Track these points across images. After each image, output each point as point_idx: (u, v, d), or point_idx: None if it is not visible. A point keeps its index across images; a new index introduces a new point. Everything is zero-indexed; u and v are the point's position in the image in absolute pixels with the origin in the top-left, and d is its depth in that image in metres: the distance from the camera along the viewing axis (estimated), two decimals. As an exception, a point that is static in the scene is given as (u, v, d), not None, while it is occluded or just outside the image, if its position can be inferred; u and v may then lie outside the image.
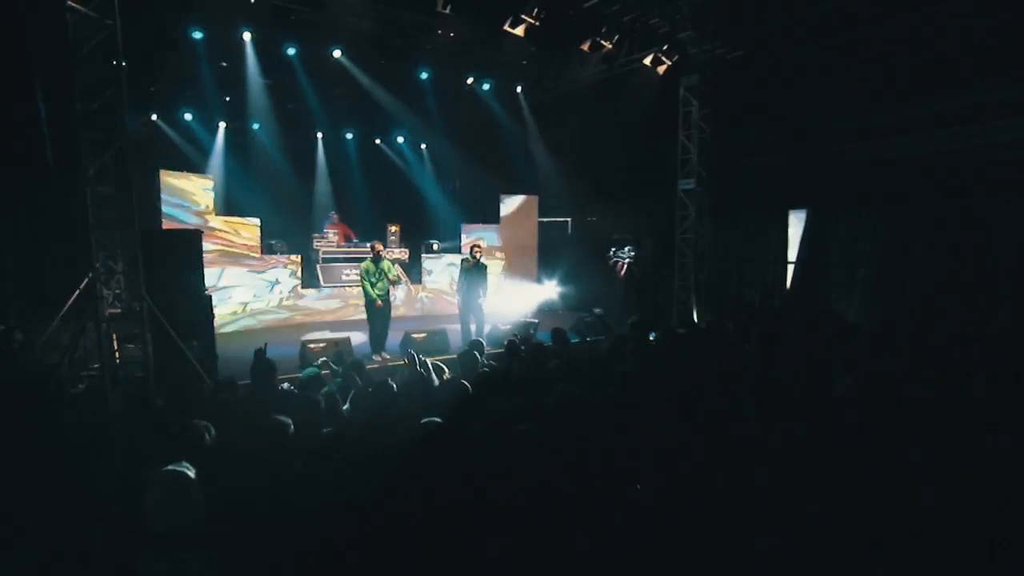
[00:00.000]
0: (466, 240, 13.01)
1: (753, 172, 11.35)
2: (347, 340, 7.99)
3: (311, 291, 11.96)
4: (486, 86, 13.24)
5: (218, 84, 11.98)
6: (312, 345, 7.63)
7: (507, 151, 13.86)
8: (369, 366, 7.74)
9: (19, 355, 7.19)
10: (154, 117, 12.81)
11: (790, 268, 11.05)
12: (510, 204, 13.49)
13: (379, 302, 8.43)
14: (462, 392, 4.37)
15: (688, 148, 10.72)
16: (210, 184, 10.45)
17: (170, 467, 2.44)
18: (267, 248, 11.72)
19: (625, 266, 10.74)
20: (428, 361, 5.48)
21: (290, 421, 3.46)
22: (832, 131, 10.08)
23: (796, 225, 11.01)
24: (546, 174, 13.35)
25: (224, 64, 11.35)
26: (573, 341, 9.65)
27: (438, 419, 3.39)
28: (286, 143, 14.65)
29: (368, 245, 8.68)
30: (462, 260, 8.99)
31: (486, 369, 5.53)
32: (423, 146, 16.54)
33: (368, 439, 3.53)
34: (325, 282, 12.20)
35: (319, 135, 15.17)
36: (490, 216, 13.61)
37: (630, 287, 10.86)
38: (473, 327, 9.00)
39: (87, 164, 5.49)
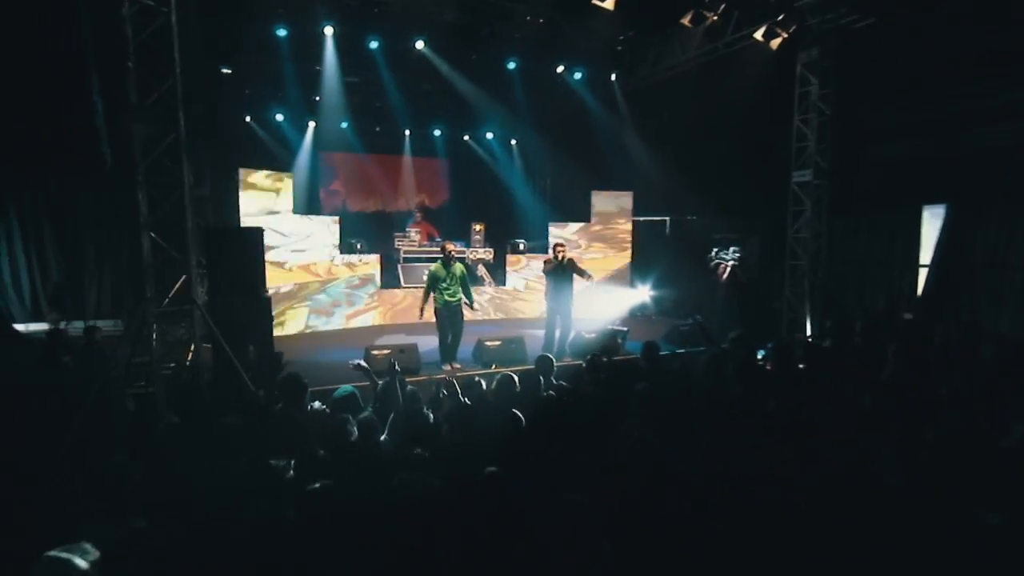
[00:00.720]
0: (554, 239, 12.24)
1: (880, 162, 9.78)
2: (413, 347, 7.44)
3: (392, 291, 11.62)
4: (578, 75, 12.40)
5: (304, 83, 11.95)
6: (377, 351, 7.13)
7: (599, 144, 12.90)
8: (437, 376, 7.18)
9: (97, 351, 7.22)
10: (248, 119, 12.95)
11: (922, 272, 9.46)
12: (602, 201, 12.57)
13: (464, 306, 7.89)
14: (513, 427, 3.60)
15: (804, 134, 9.37)
16: (288, 182, 10.28)
17: (57, 553, 1.85)
18: (347, 247, 11.49)
19: (728, 269, 9.56)
20: (456, 381, 4.75)
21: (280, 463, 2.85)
22: (979, 113, 8.41)
23: (929, 223, 9.43)
24: (642, 168, 12.27)
25: (314, 67, 11.26)
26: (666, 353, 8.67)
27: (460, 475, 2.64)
28: (373, 140, 14.53)
29: (439, 246, 8.02)
30: (544, 261, 8.22)
31: (552, 393, 4.73)
32: (513, 142, 15.91)
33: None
34: (406, 283, 11.84)
35: (406, 132, 14.89)
36: (580, 213, 12.74)
37: (733, 293, 9.65)
38: (558, 333, 8.21)
39: (139, 160, 5.23)
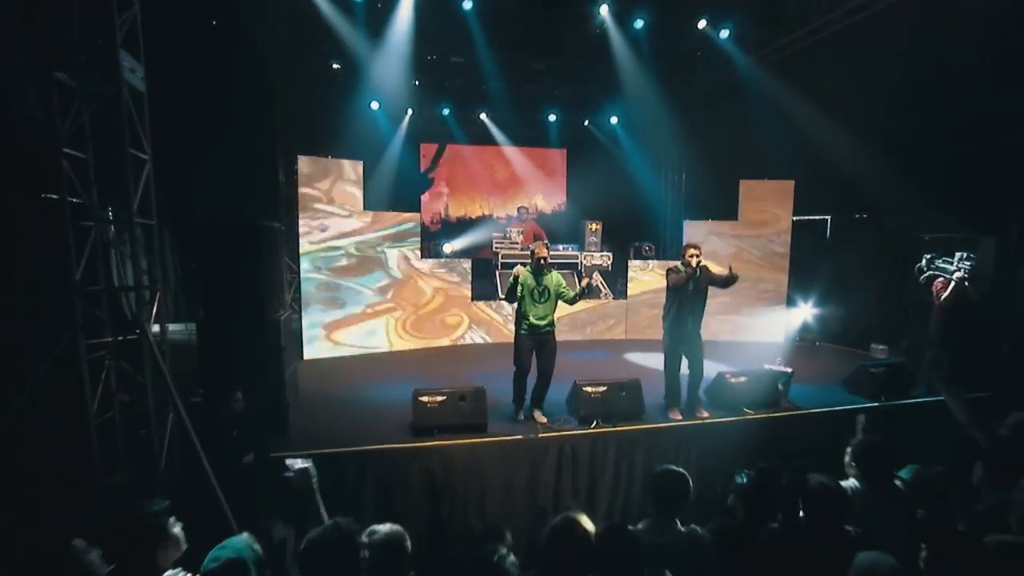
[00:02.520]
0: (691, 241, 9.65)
1: None
2: (480, 392, 5.26)
3: (489, 305, 9.64)
4: (724, 32, 9.72)
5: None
6: (427, 399, 5.08)
7: (751, 121, 10.08)
8: (514, 437, 5.03)
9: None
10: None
11: None
12: (754, 193, 9.77)
13: (541, 331, 5.59)
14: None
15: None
16: (358, 172, 8.59)
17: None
18: (432, 251, 9.70)
19: (952, 286, 6.50)
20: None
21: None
22: None
23: None
24: (811, 152, 9.29)
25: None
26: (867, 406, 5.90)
27: None
28: (477, 129, 12.71)
29: (530, 249, 5.83)
30: (668, 271, 5.75)
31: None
32: (635, 125, 13.33)
33: None
34: (502, 294, 9.79)
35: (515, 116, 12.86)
36: (724, 210, 10.00)
37: (956, 320, 6.58)
38: (686, 375, 5.77)
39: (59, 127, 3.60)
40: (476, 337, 9.53)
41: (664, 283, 5.78)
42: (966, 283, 6.48)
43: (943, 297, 6.57)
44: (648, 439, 5.38)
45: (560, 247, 10.49)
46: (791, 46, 9.21)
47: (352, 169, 8.56)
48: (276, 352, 4.96)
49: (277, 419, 4.91)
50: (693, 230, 9.79)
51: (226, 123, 8.67)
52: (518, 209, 12.58)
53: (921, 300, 7.41)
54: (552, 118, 13.02)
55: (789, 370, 6.32)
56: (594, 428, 5.29)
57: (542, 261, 5.53)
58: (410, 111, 12.15)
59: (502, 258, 10.21)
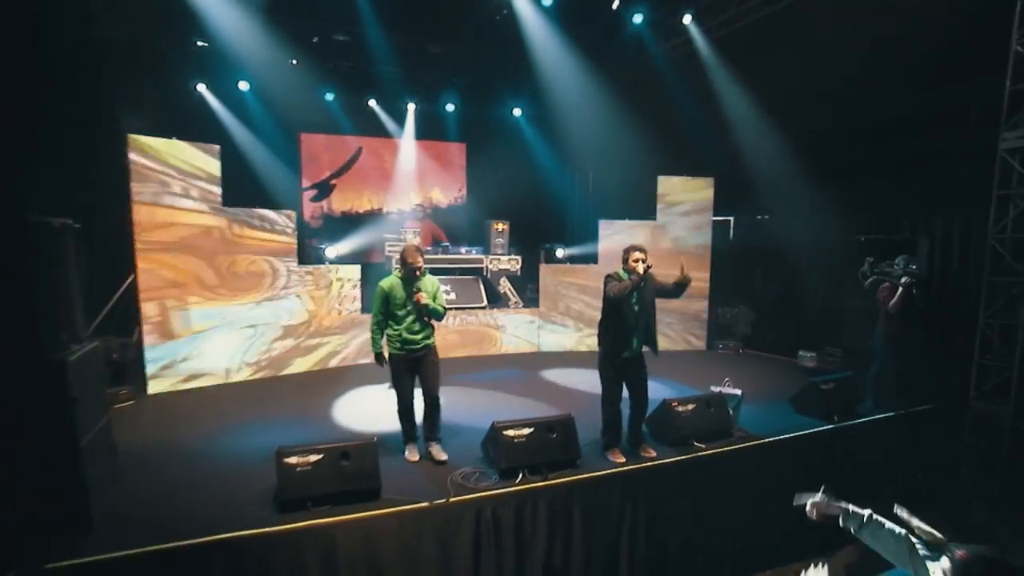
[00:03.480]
0: (607, 242, 8.75)
1: None
2: (368, 448, 3.87)
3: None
4: (638, 17, 8.89)
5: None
6: (296, 460, 3.66)
7: (669, 112, 9.32)
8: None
9: None
10: (201, 87, 9.70)
11: None
12: (673, 190, 9.01)
13: (375, 359, 4.72)
14: None
15: (1028, 72, 5.73)
16: (214, 160, 6.90)
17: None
18: (312, 253, 8.17)
19: (900, 292, 5.91)
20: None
21: None
22: None
23: None
24: (734, 145, 8.64)
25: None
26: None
27: None
28: (361, 116, 11.19)
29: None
30: (607, 280, 4.65)
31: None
32: (541, 117, 12.33)
33: None
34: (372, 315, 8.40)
35: (411, 106, 11.46)
36: (642, 208, 9.17)
37: (904, 328, 6.00)
38: (626, 407, 4.72)
39: None
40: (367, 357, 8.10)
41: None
42: (913, 290, 5.91)
43: (891, 304, 5.96)
44: (586, 492, 4.25)
45: (463, 250, 9.24)
46: (711, 33, 8.51)
47: (207, 156, 6.87)
48: (61, 408, 3.36)
49: (70, 511, 3.33)
50: (611, 232, 8.92)
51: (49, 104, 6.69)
52: (414, 206, 11.16)
53: (858, 306, 6.88)
54: (450, 108, 11.73)
55: (739, 392, 5.45)
56: (519, 484, 4.08)
57: (415, 266, 4.52)
58: (287, 94, 10.43)
59: (396, 263, 8.79)
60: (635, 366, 4.59)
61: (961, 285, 6.77)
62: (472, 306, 8.65)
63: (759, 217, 9.58)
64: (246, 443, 4.95)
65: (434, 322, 4.69)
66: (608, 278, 4.54)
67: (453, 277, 9.15)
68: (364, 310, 8.14)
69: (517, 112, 12.10)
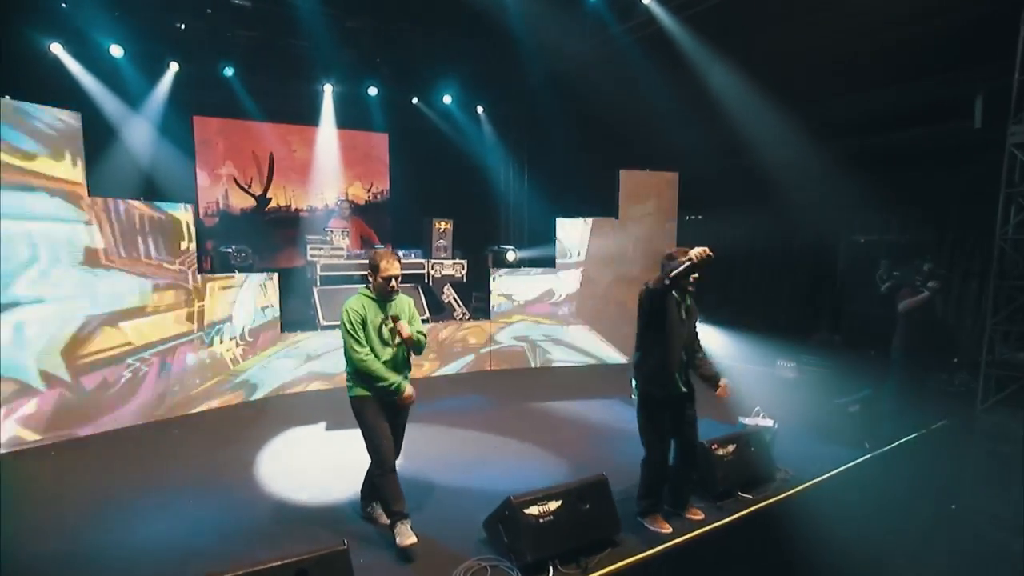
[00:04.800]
0: (567, 244, 7.73)
1: None
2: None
3: (303, 337, 6.72)
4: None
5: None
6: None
7: (631, 102, 8.42)
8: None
9: None
10: (57, 47, 7.68)
11: None
12: (636, 185, 8.12)
13: (403, 390, 3.31)
14: None
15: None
16: (75, 136, 5.17)
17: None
18: (219, 259, 6.58)
19: (922, 296, 5.27)
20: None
21: None
22: None
23: None
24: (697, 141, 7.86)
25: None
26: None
27: None
28: (276, 103, 9.50)
29: (370, 261, 3.39)
30: (647, 290, 3.45)
31: None
32: (480, 109, 11.17)
33: None
34: (326, 320, 6.94)
35: (326, 87, 9.88)
36: (604, 205, 8.23)
37: (925, 336, 5.38)
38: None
39: None
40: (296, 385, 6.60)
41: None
42: (939, 294, 5.31)
43: (902, 304, 5.33)
44: (637, 579, 3.15)
45: (400, 253, 7.88)
46: (681, 12, 7.65)
47: (62, 128, 5.14)
48: None
49: None
50: (567, 231, 7.92)
51: None
52: (338, 202, 9.57)
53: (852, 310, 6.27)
54: (373, 91, 10.26)
55: (772, 423, 4.55)
56: (556, 582, 2.92)
57: (392, 283, 3.30)
58: (175, 65, 8.61)
59: (322, 270, 7.31)
60: (683, 406, 3.53)
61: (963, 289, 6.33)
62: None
63: (688, 218, 8.84)
64: (144, 530, 3.45)
65: (412, 347, 3.43)
66: (650, 289, 3.42)
67: (388, 285, 7.78)
68: (284, 328, 6.64)
69: (448, 100, 10.83)
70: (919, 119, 6.40)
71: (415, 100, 10.77)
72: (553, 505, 3.10)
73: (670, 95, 7.61)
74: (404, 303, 3.45)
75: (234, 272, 6.32)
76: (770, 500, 3.91)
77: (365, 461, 3.44)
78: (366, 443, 3.32)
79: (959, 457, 5.50)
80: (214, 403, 6.04)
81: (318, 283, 7.26)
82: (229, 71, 9.06)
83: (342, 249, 7.54)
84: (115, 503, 3.87)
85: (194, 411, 5.88)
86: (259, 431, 5.33)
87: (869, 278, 6.03)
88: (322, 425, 5.49)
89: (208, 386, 6.02)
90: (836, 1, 6.21)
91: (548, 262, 8.12)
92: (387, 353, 3.31)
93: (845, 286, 7.05)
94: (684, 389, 3.48)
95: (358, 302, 3.31)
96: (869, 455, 4.72)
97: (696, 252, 3.07)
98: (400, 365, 3.39)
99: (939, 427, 5.52)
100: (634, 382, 3.50)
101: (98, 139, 6.86)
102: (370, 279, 3.38)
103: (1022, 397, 5.46)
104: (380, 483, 3.29)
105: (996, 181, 5.60)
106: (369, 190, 10.61)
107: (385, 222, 10.57)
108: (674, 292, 3.35)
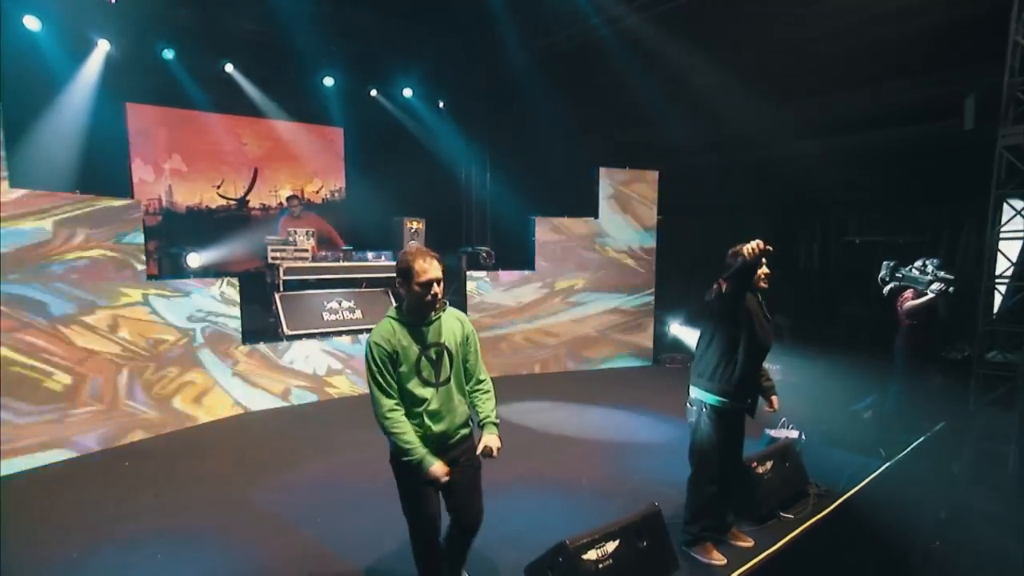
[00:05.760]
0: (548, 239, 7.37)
1: None
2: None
3: (267, 348, 6.08)
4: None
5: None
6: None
7: (613, 94, 8.12)
8: None
9: None
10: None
11: None
12: (616, 184, 7.85)
13: (438, 470, 2.34)
14: None
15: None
16: None
17: None
18: (170, 263, 5.86)
19: (926, 299, 5.17)
20: None
21: None
22: None
23: None
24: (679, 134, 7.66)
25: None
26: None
27: None
28: (222, 92, 8.68)
29: (399, 267, 2.41)
30: (721, 284, 2.92)
31: None
32: (441, 104, 10.62)
33: None
34: (292, 328, 6.31)
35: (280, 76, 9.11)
36: (583, 204, 7.92)
37: (920, 340, 5.30)
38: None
39: None
40: (252, 403, 5.95)
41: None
42: (946, 295, 5.20)
43: (904, 306, 5.23)
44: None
45: (370, 255, 7.29)
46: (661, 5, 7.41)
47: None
48: None
49: None
50: (544, 231, 7.57)
51: None
52: (287, 199, 8.83)
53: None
54: (329, 82, 9.57)
55: (799, 434, 4.31)
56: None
57: (435, 289, 2.37)
58: (104, 44, 7.70)
59: (285, 274, 6.64)
60: (740, 423, 3.21)
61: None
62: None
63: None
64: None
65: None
66: (717, 288, 3.02)
67: (356, 290, 7.21)
68: (245, 340, 5.98)
69: (408, 93, 10.26)
70: (916, 119, 6.39)
71: (374, 92, 10.17)
72: (611, 546, 2.70)
73: (651, 88, 7.40)
74: (453, 324, 2.51)
75: (189, 277, 5.60)
76: (815, 518, 3.65)
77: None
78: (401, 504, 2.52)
79: (958, 457, 5.46)
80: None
81: (280, 288, 6.59)
82: (169, 54, 8.21)
83: (307, 251, 6.88)
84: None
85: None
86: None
87: (867, 279, 5.93)
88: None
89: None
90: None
91: (529, 264, 7.73)
92: (431, 396, 2.42)
93: (839, 288, 6.98)
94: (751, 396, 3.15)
95: (384, 331, 2.40)
96: (889, 462, 4.56)
97: (748, 248, 2.72)
98: (451, 413, 2.48)
99: (940, 428, 5.48)
100: (700, 392, 3.12)
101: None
102: (401, 290, 2.41)
103: (1013, 397, 5.48)
104: (417, 555, 2.54)
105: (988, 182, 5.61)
106: (321, 189, 9.92)
107: (343, 221, 9.89)
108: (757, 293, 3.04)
